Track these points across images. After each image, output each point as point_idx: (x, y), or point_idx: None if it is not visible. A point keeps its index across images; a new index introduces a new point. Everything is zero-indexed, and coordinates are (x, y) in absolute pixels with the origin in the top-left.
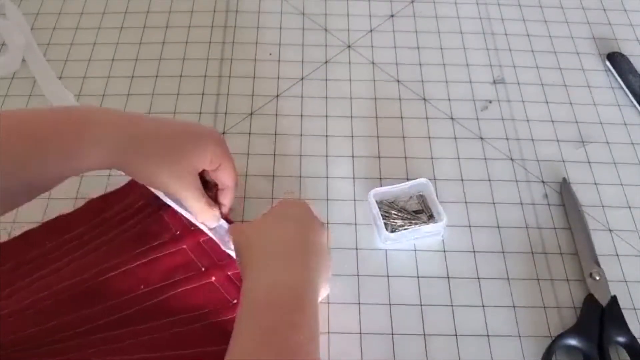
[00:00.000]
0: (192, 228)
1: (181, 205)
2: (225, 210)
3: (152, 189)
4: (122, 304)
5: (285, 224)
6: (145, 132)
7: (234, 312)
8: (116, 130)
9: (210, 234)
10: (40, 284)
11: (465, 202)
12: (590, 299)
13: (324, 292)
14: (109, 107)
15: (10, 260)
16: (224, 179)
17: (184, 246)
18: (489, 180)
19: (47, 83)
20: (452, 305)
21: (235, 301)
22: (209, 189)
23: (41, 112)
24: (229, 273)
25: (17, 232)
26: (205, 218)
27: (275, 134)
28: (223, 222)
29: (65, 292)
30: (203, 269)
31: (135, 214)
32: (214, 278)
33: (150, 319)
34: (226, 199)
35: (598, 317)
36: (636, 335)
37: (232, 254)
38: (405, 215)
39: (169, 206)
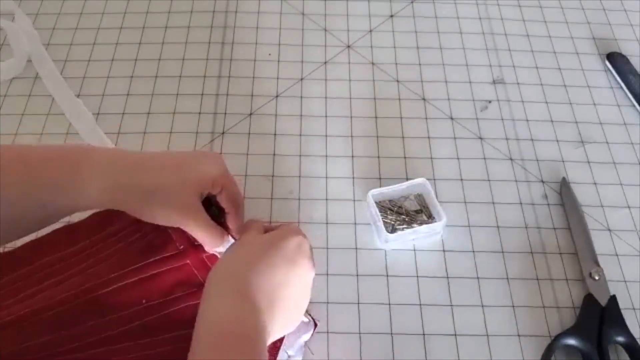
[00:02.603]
0: (196, 244)
1: None
2: (234, 232)
3: None
4: (124, 317)
5: (273, 265)
6: (141, 167)
7: None
8: (112, 165)
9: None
10: (42, 296)
11: (465, 202)
12: (589, 299)
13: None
14: (105, 147)
15: (12, 271)
16: (228, 201)
17: (188, 262)
18: (489, 180)
19: (62, 96)
20: (451, 305)
21: None
22: (220, 213)
23: (39, 146)
24: None
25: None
26: (212, 245)
27: (275, 134)
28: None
29: (66, 304)
30: None
31: (140, 227)
32: None
33: (152, 334)
34: (233, 222)
35: (597, 317)
36: (635, 335)
37: None
38: (405, 216)
39: None
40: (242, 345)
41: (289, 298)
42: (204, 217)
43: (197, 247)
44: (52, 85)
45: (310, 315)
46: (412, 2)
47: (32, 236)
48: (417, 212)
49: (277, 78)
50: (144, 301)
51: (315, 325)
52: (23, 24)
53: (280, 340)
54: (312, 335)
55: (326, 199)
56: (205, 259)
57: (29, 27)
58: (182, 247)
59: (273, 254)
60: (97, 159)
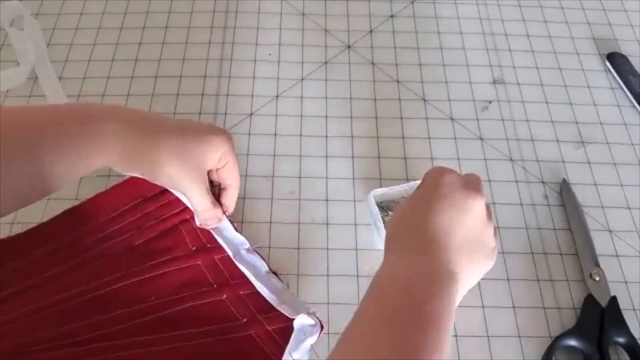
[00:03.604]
0: (209, 245)
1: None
2: (229, 211)
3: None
4: (133, 313)
5: (442, 212)
6: (157, 128)
7: (243, 331)
8: (129, 125)
9: (223, 244)
10: (51, 287)
11: None
12: (590, 300)
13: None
14: (119, 106)
15: (19, 257)
16: (228, 178)
17: (199, 262)
18: (489, 180)
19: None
20: None
21: (245, 320)
22: (214, 188)
23: (55, 106)
24: (241, 292)
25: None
26: (207, 216)
27: (275, 135)
28: (234, 232)
29: (76, 299)
30: (215, 286)
31: (150, 221)
32: (225, 296)
33: (160, 331)
34: (229, 199)
35: (598, 318)
36: (636, 335)
37: (243, 268)
38: None
39: (187, 220)
40: (417, 299)
41: (469, 245)
42: (207, 186)
43: (209, 248)
44: (49, 92)
45: (317, 317)
46: (412, 2)
47: (24, 226)
48: None
49: (278, 78)
50: (153, 298)
51: (322, 327)
52: (31, 32)
53: (284, 344)
54: (318, 337)
55: (326, 200)
56: (217, 261)
57: (37, 34)
58: (194, 247)
59: (437, 198)
60: (113, 119)
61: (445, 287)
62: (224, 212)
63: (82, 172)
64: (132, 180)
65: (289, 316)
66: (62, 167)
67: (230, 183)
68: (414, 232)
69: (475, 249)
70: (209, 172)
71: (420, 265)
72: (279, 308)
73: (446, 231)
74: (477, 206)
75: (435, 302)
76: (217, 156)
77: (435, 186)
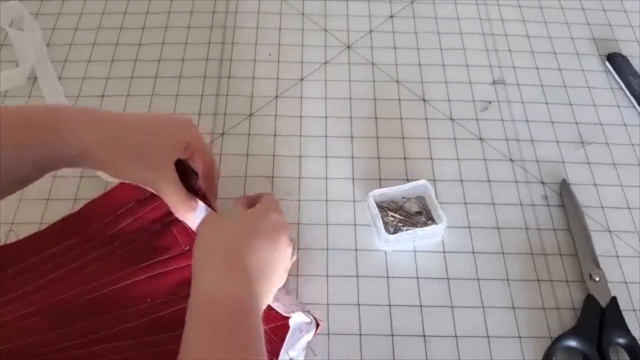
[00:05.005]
0: None
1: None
2: (213, 200)
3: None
4: (129, 315)
5: (252, 241)
6: (120, 129)
7: None
8: (94, 128)
9: None
10: (46, 292)
11: (465, 203)
12: (590, 300)
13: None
14: (84, 107)
15: (17, 263)
16: (201, 165)
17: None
18: (489, 181)
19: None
20: (451, 306)
21: None
22: (194, 178)
23: (21, 108)
24: None
25: (12, 237)
26: (183, 210)
27: (275, 135)
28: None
29: (73, 301)
30: None
31: (143, 224)
32: None
33: (156, 332)
34: (208, 188)
35: (598, 318)
36: (636, 336)
37: None
38: (405, 217)
39: (179, 220)
40: (240, 318)
41: (272, 273)
42: (176, 179)
43: None
44: (48, 92)
45: (313, 315)
46: (412, 3)
47: (36, 227)
48: (418, 213)
49: (277, 78)
50: (148, 300)
51: (318, 325)
52: (31, 32)
53: (280, 342)
54: (314, 335)
55: (326, 200)
56: None
57: (37, 34)
58: (187, 247)
59: (257, 231)
60: (77, 118)
61: (259, 317)
62: (208, 205)
63: (49, 169)
64: (124, 184)
65: (284, 314)
66: (43, 164)
67: (205, 171)
68: (234, 255)
69: (273, 285)
70: (187, 162)
71: (242, 295)
72: (272, 305)
73: (262, 264)
74: (289, 255)
75: (257, 333)
76: (179, 145)
77: (266, 226)
